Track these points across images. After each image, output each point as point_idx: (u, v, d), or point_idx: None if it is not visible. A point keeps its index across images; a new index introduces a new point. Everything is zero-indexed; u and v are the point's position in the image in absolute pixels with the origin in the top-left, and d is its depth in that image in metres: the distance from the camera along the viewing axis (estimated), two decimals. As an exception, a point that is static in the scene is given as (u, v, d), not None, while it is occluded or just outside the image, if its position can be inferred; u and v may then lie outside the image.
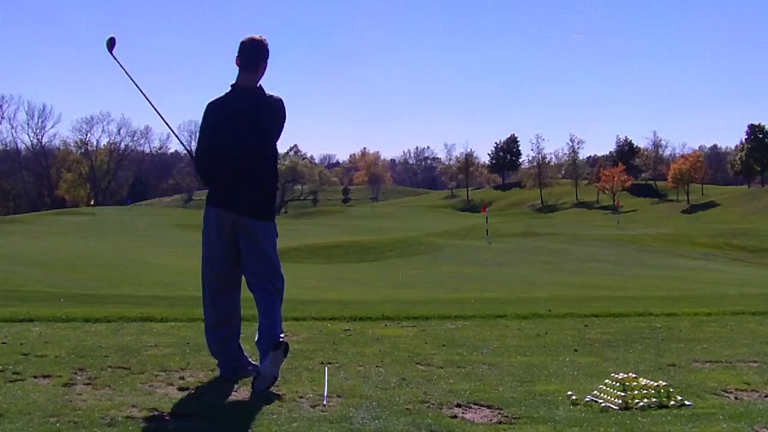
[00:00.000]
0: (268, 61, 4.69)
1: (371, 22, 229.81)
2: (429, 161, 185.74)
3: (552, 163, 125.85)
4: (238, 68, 4.65)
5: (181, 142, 5.80)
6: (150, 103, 4.94)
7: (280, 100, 4.74)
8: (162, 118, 5.07)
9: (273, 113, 4.71)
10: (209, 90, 4.68)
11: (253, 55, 4.63)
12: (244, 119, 4.60)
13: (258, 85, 4.68)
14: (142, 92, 4.90)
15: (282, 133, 4.80)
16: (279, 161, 5.04)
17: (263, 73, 4.69)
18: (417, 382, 4.58)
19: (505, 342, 6.30)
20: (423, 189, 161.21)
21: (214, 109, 4.66)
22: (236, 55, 4.63)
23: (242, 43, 4.65)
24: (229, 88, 4.68)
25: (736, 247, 46.06)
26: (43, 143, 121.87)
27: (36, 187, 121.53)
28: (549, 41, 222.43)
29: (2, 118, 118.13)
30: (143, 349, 5.58)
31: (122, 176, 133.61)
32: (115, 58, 4.89)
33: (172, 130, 5.17)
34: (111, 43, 4.93)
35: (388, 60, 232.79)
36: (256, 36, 4.67)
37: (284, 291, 4.76)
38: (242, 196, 4.60)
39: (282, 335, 4.47)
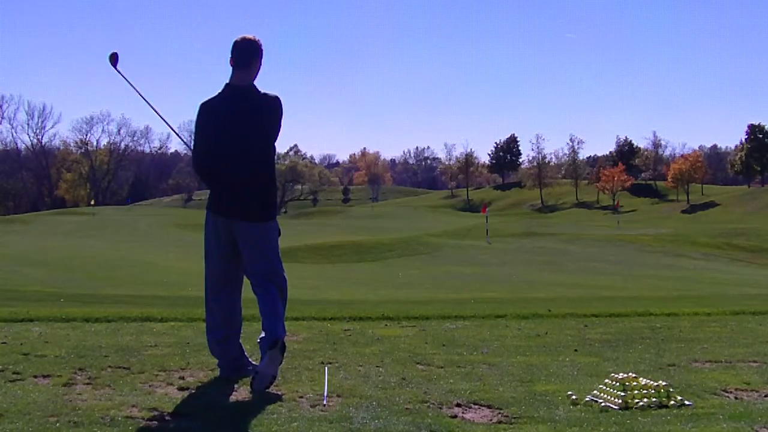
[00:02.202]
0: (262, 60, 4.69)
1: (371, 22, 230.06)
2: (429, 161, 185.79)
3: (552, 163, 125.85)
4: (231, 68, 4.66)
5: (189, 147, 5.80)
6: (156, 112, 5.01)
7: (277, 98, 4.72)
8: (170, 126, 5.13)
9: (268, 111, 4.70)
10: (209, 90, 4.70)
11: (246, 54, 4.63)
12: (238, 118, 4.59)
13: (252, 83, 4.67)
14: (148, 102, 4.96)
15: (280, 132, 4.79)
16: (279, 161, 5.05)
17: (257, 72, 4.68)
18: (417, 382, 4.58)
19: (505, 342, 6.29)
20: (423, 189, 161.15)
21: (207, 109, 4.66)
22: (230, 55, 4.64)
23: (235, 43, 4.66)
24: (223, 88, 4.69)
25: (736, 247, 46.04)
26: (43, 143, 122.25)
27: (36, 187, 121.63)
28: (547, 41, 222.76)
29: (2, 118, 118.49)
30: (143, 349, 5.58)
31: (122, 176, 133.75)
32: (119, 72, 4.96)
33: (181, 138, 5.21)
34: (114, 59, 4.98)
35: (388, 60, 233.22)
36: (249, 35, 4.68)
37: (287, 291, 4.76)
38: (238, 198, 4.60)
39: (284, 335, 4.48)
